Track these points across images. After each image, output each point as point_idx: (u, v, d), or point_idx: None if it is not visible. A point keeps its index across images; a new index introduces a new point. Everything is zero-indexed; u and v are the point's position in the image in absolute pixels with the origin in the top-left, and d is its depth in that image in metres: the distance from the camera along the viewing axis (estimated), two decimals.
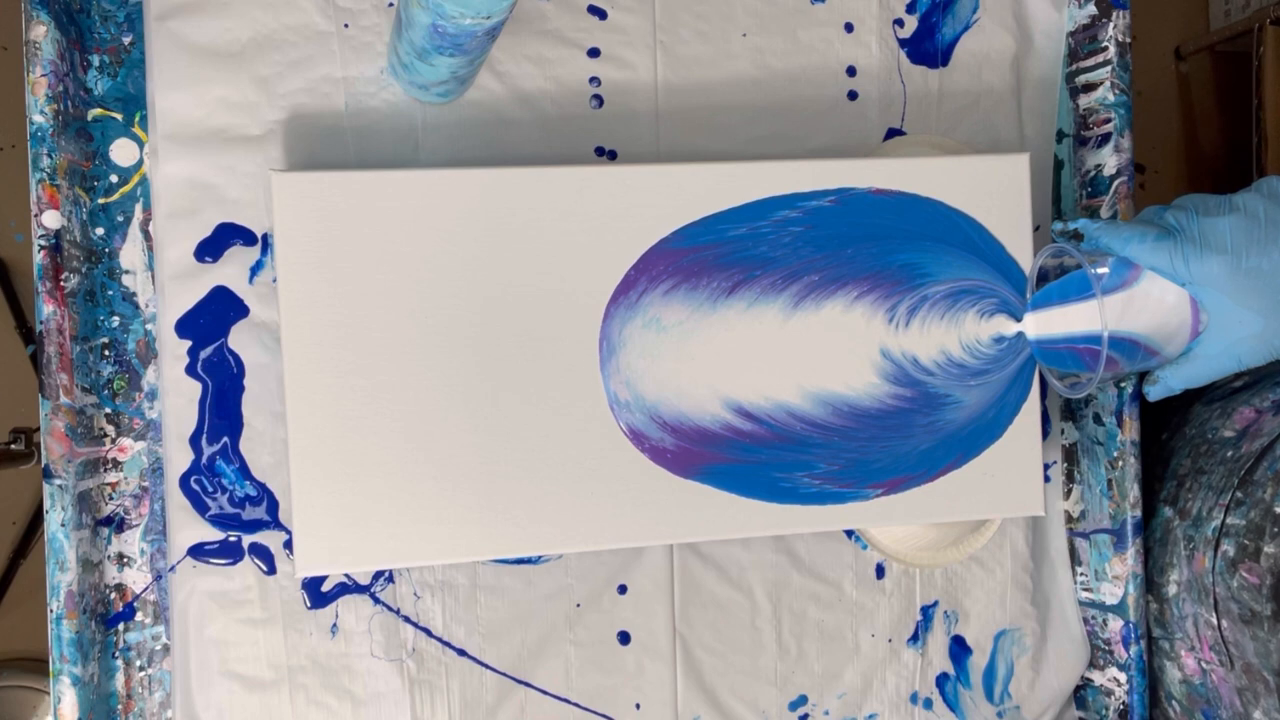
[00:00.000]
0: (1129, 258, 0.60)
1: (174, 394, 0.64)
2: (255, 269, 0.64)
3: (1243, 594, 0.63)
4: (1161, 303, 0.60)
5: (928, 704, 0.74)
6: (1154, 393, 0.63)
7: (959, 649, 0.74)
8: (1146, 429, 0.74)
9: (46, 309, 0.61)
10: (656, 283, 0.62)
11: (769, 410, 0.63)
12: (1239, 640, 0.63)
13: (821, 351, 0.64)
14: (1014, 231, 0.66)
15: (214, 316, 0.64)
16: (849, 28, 0.72)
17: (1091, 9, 0.74)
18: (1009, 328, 0.66)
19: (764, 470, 0.64)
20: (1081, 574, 0.77)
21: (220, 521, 0.64)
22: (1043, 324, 0.64)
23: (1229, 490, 0.66)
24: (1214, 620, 0.65)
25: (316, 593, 0.65)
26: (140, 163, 0.65)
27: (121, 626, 0.65)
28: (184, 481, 0.64)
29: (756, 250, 0.63)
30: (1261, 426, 0.68)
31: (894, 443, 0.65)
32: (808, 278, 0.64)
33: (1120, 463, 0.73)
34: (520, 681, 0.68)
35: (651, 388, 0.62)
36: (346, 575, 0.66)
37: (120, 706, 0.65)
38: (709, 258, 0.63)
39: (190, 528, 0.64)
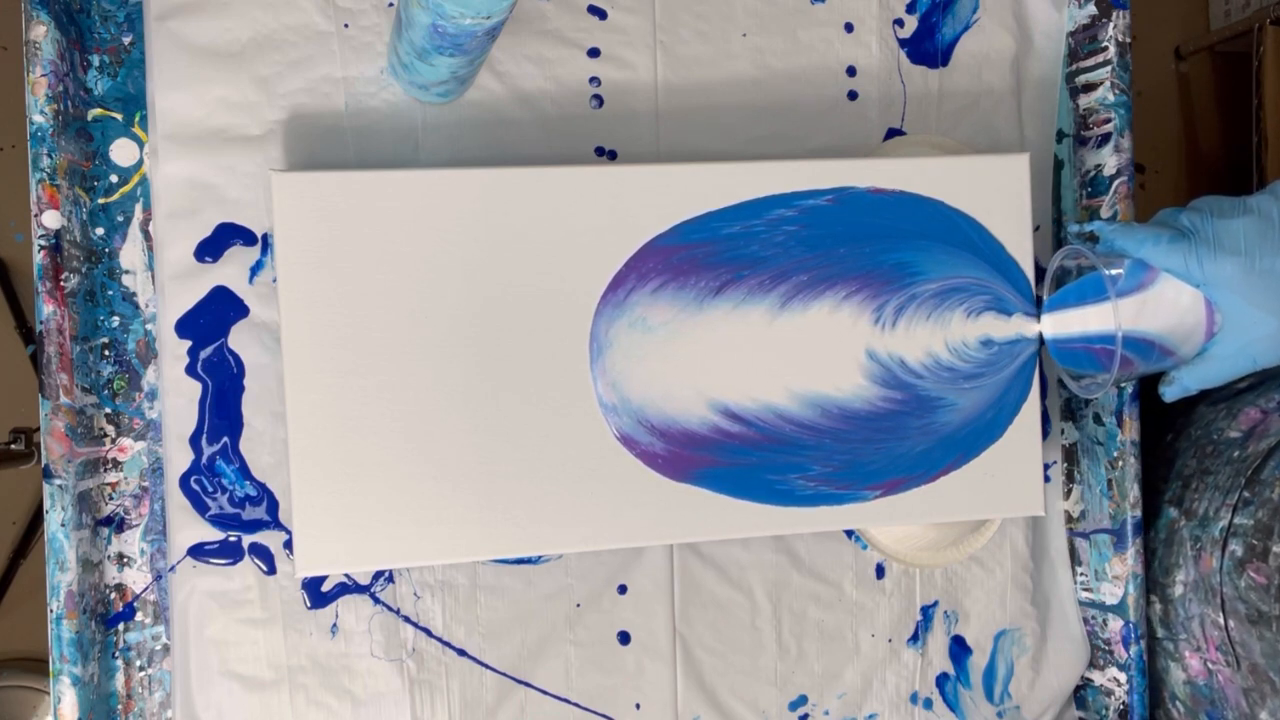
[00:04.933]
0: (1144, 259, 0.60)
1: (174, 394, 0.64)
2: (255, 269, 0.64)
3: (1250, 594, 0.63)
4: (1177, 304, 0.60)
5: (928, 704, 0.74)
6: (1170, 394, 0.64)
7: (959, 649, 0.74)
8: (1150, 430, 0.74)
9: (46, 309, 0.61)
10: (645, 281, 0.62)
11: (757, 412, 0.63)
12: (1246, 640, 0.63)
13: (808, 353, 0.64)
14: (1014, 231, 0.66)
15: (214, 316, 0.64)
16: (849, 28, 0.72)
17: (1091, 9, 0.74)
18: (1005, 328, 0.66)
19: (757, 473, 0.64)
20: (1081, 574, 0.77)
21: (220, 521, 0.64)
22: (1059, 325, 0.64)
23: (1236, 490, 0.66)
24: (1221, 620, 0.65)
25: (316, 593, 0.65)
26: (140, 163, 0.65)
27: (121, 626, 0.65)
28: (184, 481, 0.64)
29: (748, 249, 0.63)
30: (1268, 426, 0.68)
31: (888, 444, 0.65)
32: (797, 278, 0.64)
33: (1120, 463, 0.73)
34: (520, 681, 0.68)
35: (637, 390, 0.62)
36: (346, 575, 0.66)
37: (120, 706, 0.65)
38: (700, 255, 0.63)
39: (190, 528, 0.64)
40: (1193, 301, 0.60)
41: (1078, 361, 0.64)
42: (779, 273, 0.64)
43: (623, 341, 0.62)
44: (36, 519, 1.26)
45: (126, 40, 0.65)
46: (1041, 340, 0.66)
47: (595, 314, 0.62)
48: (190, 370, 0.64)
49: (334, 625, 0.65)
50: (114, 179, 0.65)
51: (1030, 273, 0.66)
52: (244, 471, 0.64)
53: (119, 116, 0.65)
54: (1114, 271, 0.61)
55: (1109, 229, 0.62)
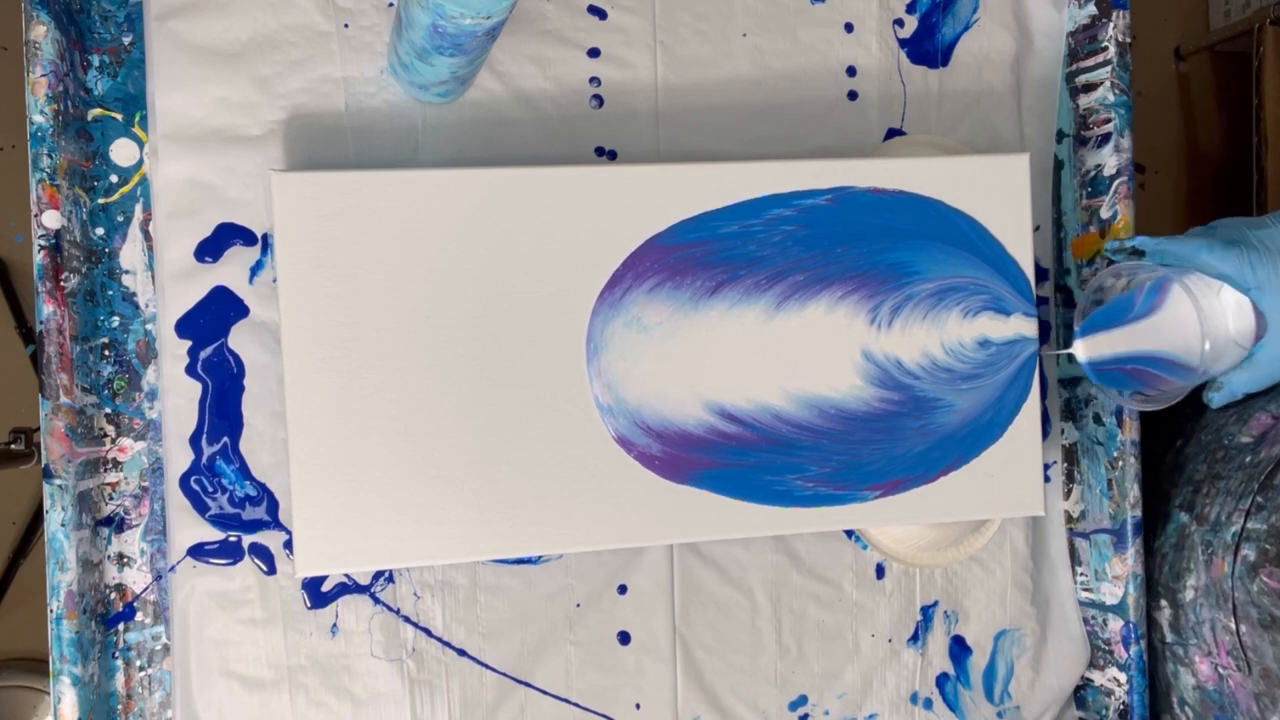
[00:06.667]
0: (1198, 268, 0.62)
1: (174, 394, 0.64)
2: (255, 269, 0.64)
3: (1263, 599, 0.63)
4: (1189, 320, 0.62)
5: (928, 704, 0.74)
6: (1217, 399, 0.65)
7: (959, 649, 0.74)
8: (1159, 434, 0.74)
9: (46, 309, 0.61)
10: (642, 279, 0.62)
11: (752, 413, 0.63)
12: (1258, 645, 0.63)
13: (804, 353, 0.64)
14: (1014, 231, 0.66)
15: (214, 316, 0.64)
16: (849, 28, 0.72)
17: (1091, 9, 0.74)
18: (1003, 329, 0.66)
19: (754, 474, 0.63)
20: (1081, 574, 0.77)
21: (220, 521, 0.64)
22: (1093, 348, 0.65)
23: (1249, 495, 0.66)
24: (1232, 625, 0.65)
25: (316, 593, 0.65)
26: (140, 163, 0.65)
27: (121, 626, 0.65)
28: (184, 481, 0.64)
29: (745, 249, 0.63)
30: None
31: (886, 445, 0.65)
32: (793, 277, 0.64)
33: (1120, 463, 0.73)
34: (520, 681, 0.68)
35: (632, 391, 0.62)
36: (346, 575, 0.66)
37: (120, 706, 0.65)
38: (697, 255, 0.63)
39: (190, 528, 0.64)
40: (1238, 308, 0.62)
41: (1117, 382, 0.66)
42: (775, 272, 0.63)
43: (618, 341, 0.62)
44: (36, 519, 1.26)
45: (126, 40, 0.65)
46: (1039, 341, 0.66)
47: (592, 313, 0.62)
48: (190, 370, 0.64)
49: (334, 625, 0.65)
50: (114, 179, 0.65)
51: (1030, 273, 0.66)
52: (244, 471, 0.64)
53: (119, 116, 0.65)
54: (1155, 275, 0.63)
55: (1153, 242, 0.64)
